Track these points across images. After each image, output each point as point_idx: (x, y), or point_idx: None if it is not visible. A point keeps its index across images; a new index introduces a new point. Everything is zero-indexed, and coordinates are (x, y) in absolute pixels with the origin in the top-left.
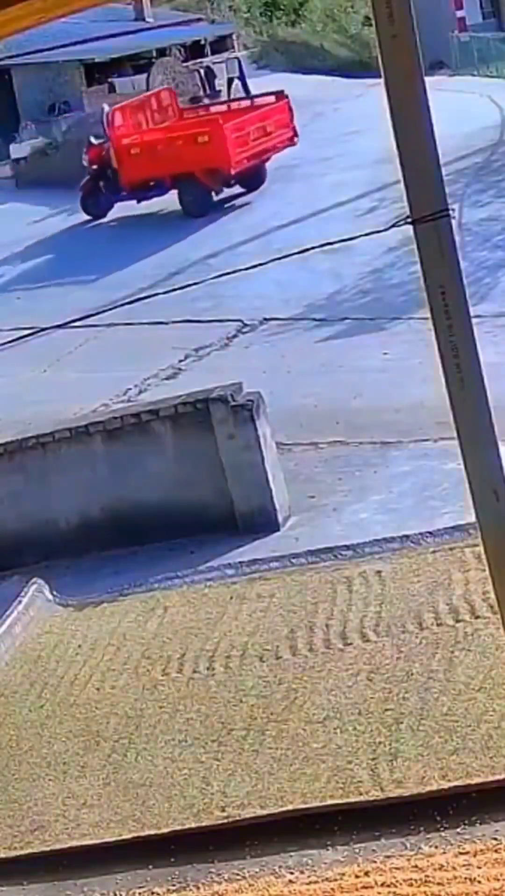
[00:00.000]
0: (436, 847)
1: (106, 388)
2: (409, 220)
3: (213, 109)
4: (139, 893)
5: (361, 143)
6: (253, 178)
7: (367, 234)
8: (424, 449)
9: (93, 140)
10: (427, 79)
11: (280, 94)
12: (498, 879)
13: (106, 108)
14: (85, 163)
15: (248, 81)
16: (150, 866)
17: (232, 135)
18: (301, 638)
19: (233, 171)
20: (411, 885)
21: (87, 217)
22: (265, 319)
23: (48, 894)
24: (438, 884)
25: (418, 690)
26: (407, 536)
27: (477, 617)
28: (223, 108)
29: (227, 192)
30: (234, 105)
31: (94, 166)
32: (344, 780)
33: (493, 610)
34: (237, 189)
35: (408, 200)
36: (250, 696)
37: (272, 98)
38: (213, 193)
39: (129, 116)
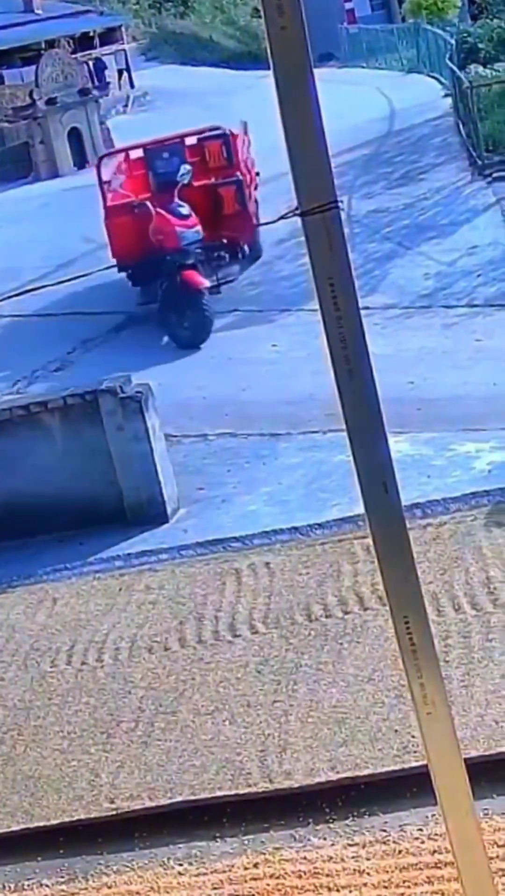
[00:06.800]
0: (325, 839)
1: None
2: (298, 212)
3: None
4: (28, 885)
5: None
6: None
7: None
8: (314, 440)
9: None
10: (316, 70)
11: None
12: (386, 871)
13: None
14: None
15: (138, 73)
16: (39, 858)
17: None
18: (190, 629)
19: None
20: (300, 876)
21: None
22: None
23: None
24: (327, 875)
25: (307, 682)
26: (296, 528)
27: (366, 608)
28: None
29: None
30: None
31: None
32: (233, 772)
33: (381, 601)
34: None
35: (297, 192)
36: (139, 688)
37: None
38: None
39: None
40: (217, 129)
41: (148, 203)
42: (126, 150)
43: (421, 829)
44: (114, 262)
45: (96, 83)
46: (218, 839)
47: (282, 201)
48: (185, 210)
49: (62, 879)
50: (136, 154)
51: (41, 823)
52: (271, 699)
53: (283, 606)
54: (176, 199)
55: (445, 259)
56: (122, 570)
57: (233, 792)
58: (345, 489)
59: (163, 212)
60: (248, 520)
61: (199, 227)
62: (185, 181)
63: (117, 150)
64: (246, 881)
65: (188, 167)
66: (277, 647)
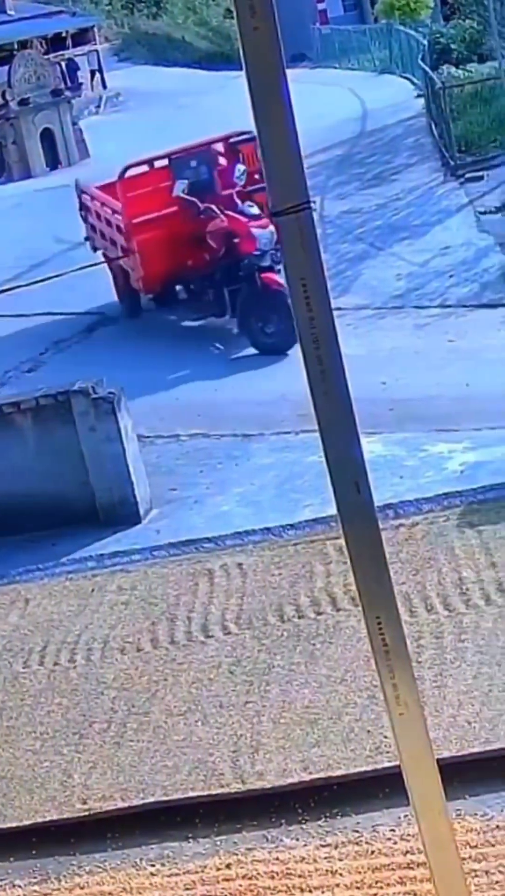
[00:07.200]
0: (297, 839)
1: None
2: (271, 212)
3: None
4: (0, 886)
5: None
6: None
7: None
8: (286, 441)
9: None
10: (288, 71)
11: None
12: (359, 872)
13: None
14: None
15: (111, 74)
16: (12, 859)
17: None
18: (162, 630)
19: None
20: (273, 877)
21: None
22: None
23: None
24: (300, 876)
25: (280, 683)
26: (268, 529)
27: (338, 609)
28: None
29: None
30: None
31: None
32: (205, 773)
33: (354, 602)
34: None
35: (270, 192)
36: (112, 689)
37: None
38: None
39: None
40: (249, 132)
41: (213, 206)
42: (150, 160)
43: (394, 830)
44: (142, 283)
45: (69, 84)
46: (190, 840)
47: None
48: (256, 210)
49: (35, 880)
50: (160, 164)
51: (13, 824)
52: (244, 700)
53: (255, 607)
54: (239, 201)
55: (418, 260)
56: (94, 571)
57: (205, 793)
58: (317, 490)
59: (233, 213)
60: (220, 520)
61: (272, 228)
62: (242, 183)
63: (140, 161)
64: (218, 882)
65: (243, 168)
66: (249, 648)
